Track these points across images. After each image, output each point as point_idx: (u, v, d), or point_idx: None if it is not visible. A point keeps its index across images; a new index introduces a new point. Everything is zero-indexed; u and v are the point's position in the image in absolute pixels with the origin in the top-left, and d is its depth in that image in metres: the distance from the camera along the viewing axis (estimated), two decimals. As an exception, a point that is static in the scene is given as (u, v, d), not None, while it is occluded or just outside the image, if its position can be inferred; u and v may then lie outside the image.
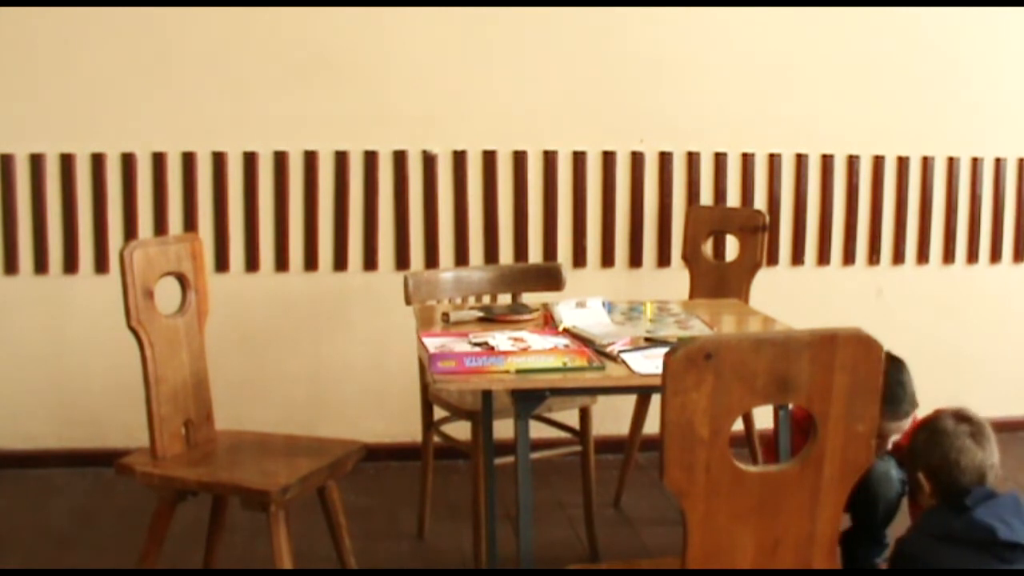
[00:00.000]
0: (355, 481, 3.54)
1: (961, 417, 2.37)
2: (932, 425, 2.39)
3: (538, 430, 2.96)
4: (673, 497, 1.66)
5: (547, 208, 4.00)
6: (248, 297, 3.91)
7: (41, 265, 3.85)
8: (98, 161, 3.82)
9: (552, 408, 3.05)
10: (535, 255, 4.01)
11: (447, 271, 3.39)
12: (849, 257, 4.18)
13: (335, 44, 3.84)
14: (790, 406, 2.48)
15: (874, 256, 4.20)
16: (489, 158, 3.95)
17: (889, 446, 2.79)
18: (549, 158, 3.98)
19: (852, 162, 4.14)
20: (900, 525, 2.81)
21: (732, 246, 3.66)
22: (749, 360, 1.60)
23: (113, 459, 2.61)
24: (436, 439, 3.24)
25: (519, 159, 3.96)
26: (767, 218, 3.53)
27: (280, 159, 3.88)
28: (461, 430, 3.17)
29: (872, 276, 4.21)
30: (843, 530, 2.89)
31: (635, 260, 4.06)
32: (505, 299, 3.34)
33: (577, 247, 4.02)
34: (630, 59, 3.96)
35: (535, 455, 2.76)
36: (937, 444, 2.33)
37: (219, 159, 3.86)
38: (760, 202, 4.07)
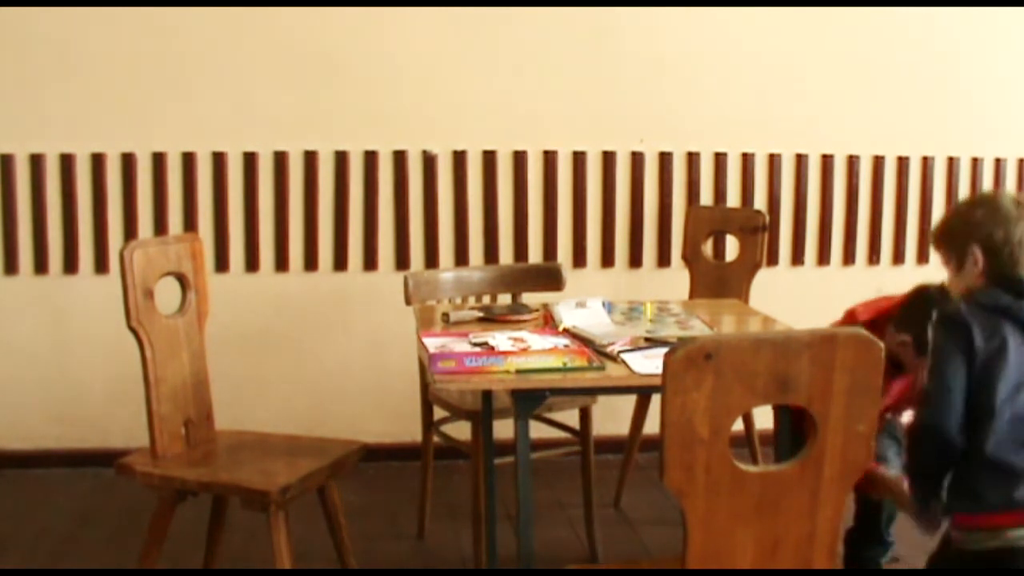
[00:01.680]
0: (355, 481, 3.54)
1: (1015, 199, 2.27)
2: (992, 204, 2.28)
3: (538, 430, 2.96)
4: (673, 497, 1.66)
5: (547, 208, 4.00)
6: (248, 297, 3.91)
7: (41, 265, 3.85)
8: (98, 161, 3.82)
9: (552, 408, 3.05)
10: (535, 255, 4.01)
11: (447, 271, 3.39)
12: (849, 257, 4.18)
13: (335, 44, 3.84)
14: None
15: (874, 256, 4.20)
16: (489, 158, 3.95)
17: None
18: (549, 158, 3.98)
19: (852, 162, 4.14)
20: (902, 527, 2.82)
21: (732, 246, 3.66)
22: (749, 360, 1.60)
23: (113, 459, 2.62)
24: (436, 439, 3.24)
25: (519, 159, 3.96)
26: (767, 218, 3.53)
27: (280, 159, 3.88)
28: (461, 430, 3.17)
29: (872, 276, 4.21)
30: (847, 529, 2.89)
31: (635, 260, 4.06)
32: (505, 299, 3.34)
33: (577, 247, 4.02)
34: (630, 59, 3.96)
35: (535, 455, 2.76)
36: (1002, 223, 2.21)
37: (219, 159, 3.86)
38: (760, 202, 4.07)
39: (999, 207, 2.24)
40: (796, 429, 2.20)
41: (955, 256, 2.29)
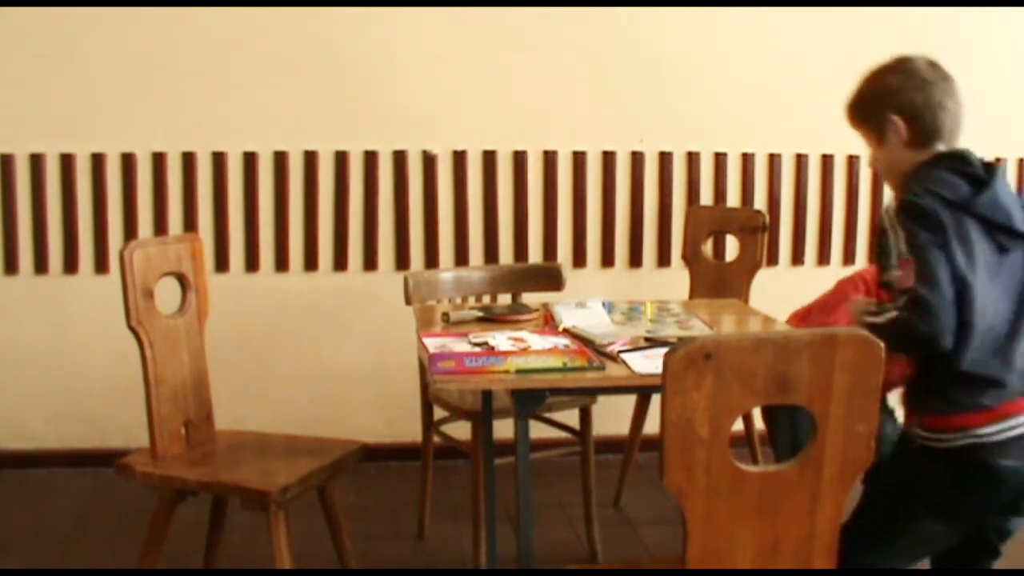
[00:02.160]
0: (355, 481, 3.54)
1: (930, 62, 2.17)
2: (906, 68, 2.19)
3: (538, 430, 2.96)
4: (673, 497, 1.66)
5: (547, 208, 4.00)
6: (248, 297, 3.91)
7: (41, 265, 3.85)
8: (98, 161, 3.82)
9: (552, 408, 3.05)
10: (535, 255, 4.01)
11: (447, 271, 3.39)
12: (849, 257, 4.17)
13: (335, 44, 3.84)
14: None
15: (874, 256, 4.19)
16: (489, 158, 3.95)
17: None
18: (549, 158, 3.98)
19: (852, 162, 4.13)
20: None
21: (732, 246, 3.66)
22: (749, 360, 1.60)
23: (113, 459, 2.61)
24: (436, 439, 3.24)
25: (519, 159, 3.96)
26: (767, 218, 3.53)
27: (280, 159, 3.88)
28: (461, 430, 3.17)
29: (872, 276, 4.21)
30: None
31: (635, 260, 4.06)
32: (505, 299, 3.34)
33: (577, 247, 4.02)
34: (630, 59, 3.96)
35: (535, 455, 2.76)
36: (919, 86, 2.13)
37: (219, 159, 3.86)
38: (760, 202, 4.07)
39: (915, 69, 2.16)
40: (792, 428, 2.18)
41: (874, 129, 2.21)
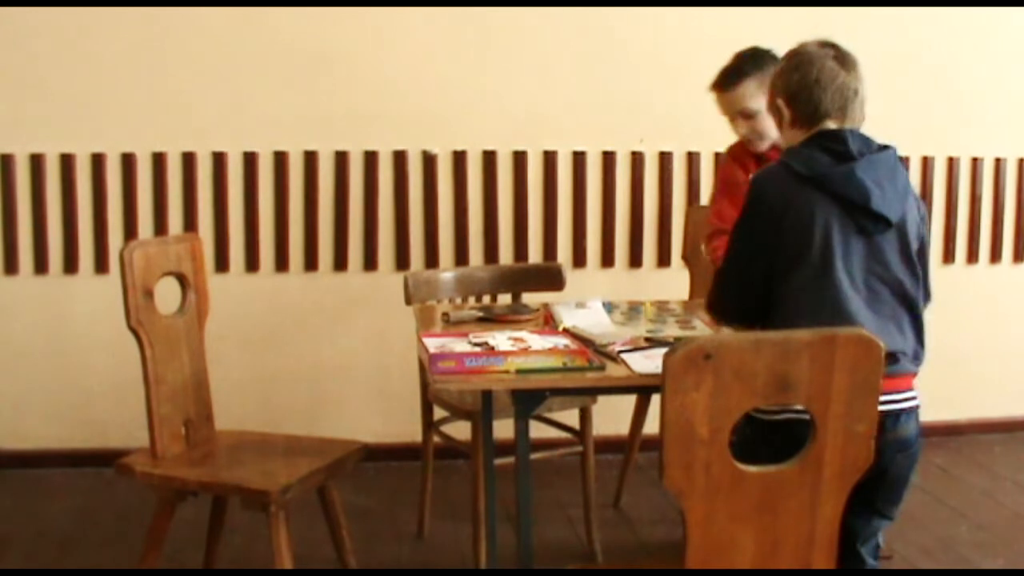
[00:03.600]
0: (355, 481, 3.54)
1: (825, 43, 2.20)
2: (794, 51, 2.23)
3: (538, 430, 2.96)
4: (673, 497, 1.66)
5: (547, 208, 4.00)
6: (248, 297, 3.91)
7: (41, 265, 3.85)
8: (98, 161, 3.82)
9: (552, 408, 3.05)
10: (535, 255, 4.01)
11: (447, 271, 3.39)
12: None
13: (335, 44, 3.84)
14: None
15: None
16: (489, 158, 3.95)
17: None
18: (549, 158, 3.98)
19: (852, 162, 4.13)
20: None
21: (732, 246, 3.65)
22: (749, 360, 1.60)
23: (113, 459, 2.62)
24: (436, 439, 3.24)
25: (519, 159, 3.96)
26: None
27: (280, 159, 3.88)
28: (461, 430, 3.17)
29: (872, 276, 4.21)
30: None
31: (635, 260, 4.06)
32: (505, 299, 3.34)
33: (577, 247, 4.02)
34: (630, 59, 3.96)
35: (535, 455, 2.77)
36: (797, 67, 2.16)
37: (219, 159, 3.86)
38: (760, 202, 4.06)
39: (799, 52, 2.19)
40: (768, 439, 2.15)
41: (774, 115, 2.24)
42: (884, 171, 2.08)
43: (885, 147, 2.15)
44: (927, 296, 2.20)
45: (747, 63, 2.82)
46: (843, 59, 2.15)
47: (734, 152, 3.01)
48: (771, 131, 2.76)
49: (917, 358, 2.12)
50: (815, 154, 2.08)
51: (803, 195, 2.04)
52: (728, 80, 2.82)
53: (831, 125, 2.13)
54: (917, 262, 2.13)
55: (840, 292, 2.03)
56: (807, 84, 2.13)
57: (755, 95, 2.78)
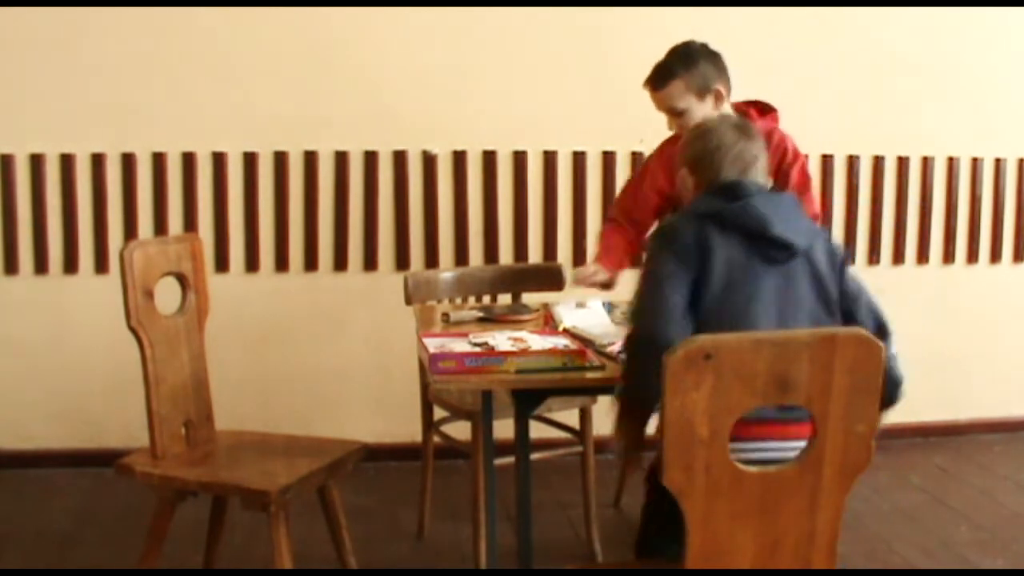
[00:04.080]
0: (355, 481, 3.54)
1: (727, 117, 2.31)
2: (696, 124, 2.32)
3: (538, 430, 2.96)
4: (673, 497, 1.66)
5: (547, 208, 4.00)
6: (248, 297, 3.91)
7: (41, 265, 3.85)
8: (98, 161, 3.82)
9: (552, 408, 3.05)
10: (535, 255, 4.01)
11: (447, 271, 3.39)
12: (849, 257, 4.17)
13: (335, 44, 3.84)
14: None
15: (874, 256, 4.20)
16: (489, 158, 3.95)
17: None
18: (549, 158, 3.98)
19: (852, 162, 4.14)
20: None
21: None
22: (749, 360, 1.60)
23: (113, 459, 2.62)
24: (436, 439, 3.24)
25: (519, 159, 3.96)
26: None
27: (280, 159, 3.88)
28: (461, 430, 3.17)
29: (873, 276, 4.19)
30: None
31: (635, 260, 4.05)
32: (505, 299, 3.34)
33: (577, 247, 4.02)
34: (630, 59, 3.93)
35: (535, 455, 2.77)
36: (698, 137, 2.24)
37: (219, 159, 3.86)
38: (760, 202, 4.06)
39: (699, 124, 2.28)
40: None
41: (681, 187, 2.29)
42: (784, 208, 2.13)
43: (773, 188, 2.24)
44: (883, 331, 2.17)
45: (677, 62, 2.88)
46: (743, 128, 2.22)
47: (661, 150, 3.09)
48: None
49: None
50: (711, 198, 2.14)
51: (703, 231, 2.07)
52: (657, 79, 2.89)
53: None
54: (835, 300, 2.12)
55: (748, 322, 2.01)
56: (708, 151, 2.19)
57: (683, 95, 2.86)
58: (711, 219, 2.08)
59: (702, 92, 2.87)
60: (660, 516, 2.15)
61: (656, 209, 3.05)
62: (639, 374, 2.07)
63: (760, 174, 2.20)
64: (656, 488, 2.21)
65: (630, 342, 2.10)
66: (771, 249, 2.07)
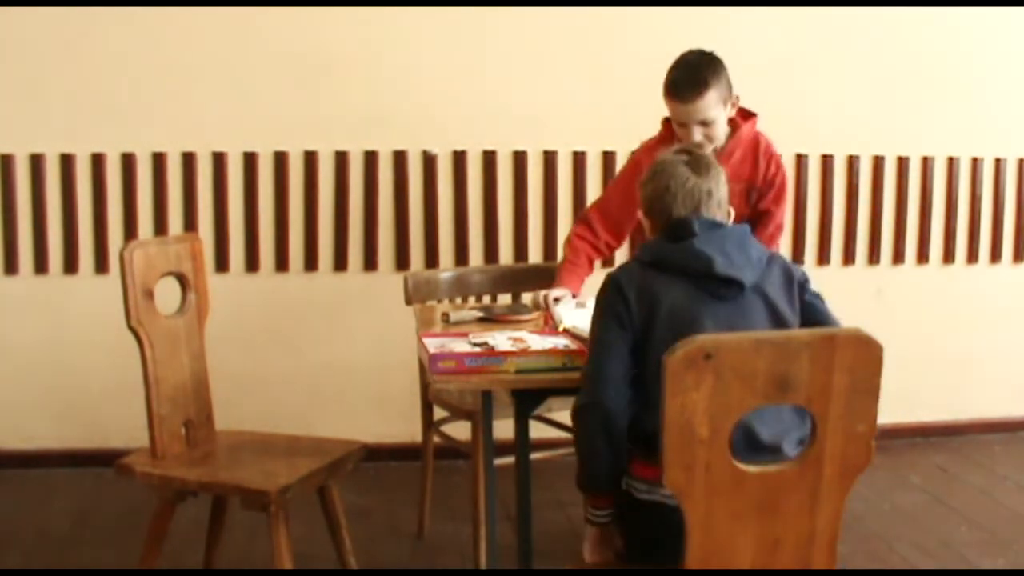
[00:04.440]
0: (355, 481, 3.54)
1: (682, 150, 2.23)
2: (656, 164, 2.23)
3: (538, 430, 2.96)
4: (673, 497, 1.66)
5: (547, 208, 4.00)
6: (248, 297, 3.91)
7: (41, 265, 3.85)
8: (98, 161, 3.82)
9: (552, 408, 3.05)
10: (535, 255, 4.01)
11: (447, 271, 3.39)
12: (849, 257, 4.18)
13: (335, 44, 3.84)
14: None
15: (874, 256, 4.20)
16: (489, 158, 3.95)
17: None
18: (549, 158, 3.98)
19: (852, 162, 4.14)
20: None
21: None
22: (749, 360, 1.60)
23: (113, 459, 2.62)
24: (436, 439, 3.24)
25: (519, 159, 3.96)
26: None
27: (280, 159, 3.88)
28: (461, 430, 3.17)
29: (872, 276, 4.21)
30: None
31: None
32: (505, 299, 3.34)
33: (577, 247, 4.01)
34: (630, 59, 3.95)
35: (535, 455, 2.76)
36: (651, 178, 2.19)
37: (219, 159, 3.86)
38: (760, 202, 4.07)
39: (654, 163, 2.22)
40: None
41: (646, 228, 2.25)
42: (731, 242, 2.09)
43: (716, 223, 2.15)
44: None
45: (706, 70, 2.83)
46: (696, 163, 2.17)
47: (650, 149, 3.00)
48: (721, 136, 2.86)
49: (802, 443, 1.97)
50: (659, 242, 2.14)
51: (647, 279, 2.06)
52: (692, 90, 2.80)
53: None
54: (794, 325, 2.09)
55: None
56: (659, 193, 2.16)
57: (716, 104, 2.82)
58: (654, 266, 2.08)
59: (726, 100, 2.84)
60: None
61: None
62: (586, 441, 2.08)
63: (715, 208, 2.16)
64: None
65: (574, 409, 2.10)
66: (718, 287, 2.05)
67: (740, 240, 2.12)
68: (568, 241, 3.04)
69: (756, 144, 2.94)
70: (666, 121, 3.03)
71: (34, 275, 3.86)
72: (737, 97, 2.87)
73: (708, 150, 2.83)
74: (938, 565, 3.11)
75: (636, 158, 3.06)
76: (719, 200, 2.17)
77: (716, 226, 2.12)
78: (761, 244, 2.19)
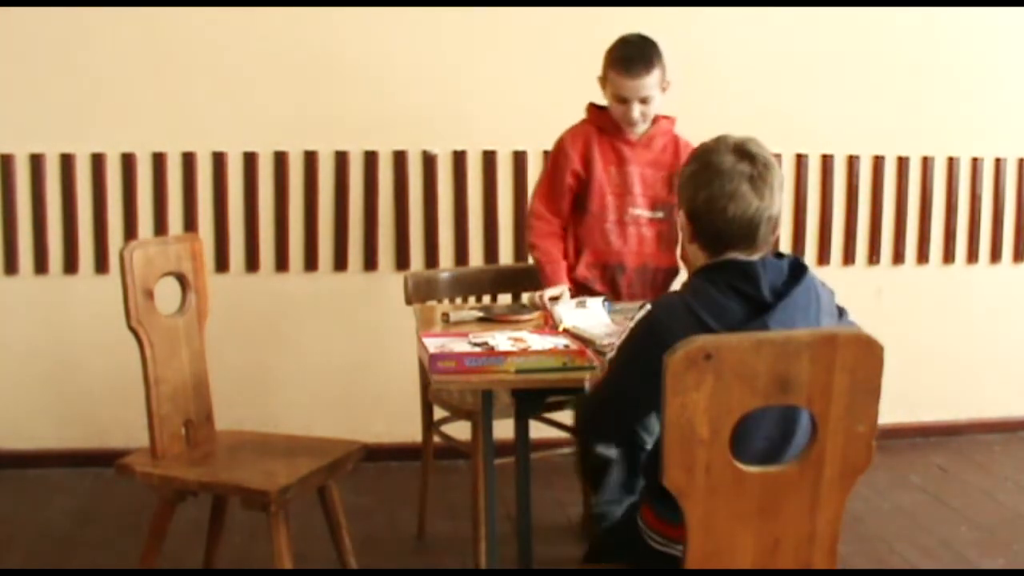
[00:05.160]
0: (355, 481, 3.54)
1: (744, 153, 1.90)
2: (705, 158, 1.93)
3: (538, 430, 2.96)
4: (673, 497, 1.66)
5: (547, 208, 3.99)
6: (248, 297, 3.90)
7: (41, 265, 3.84)
8: (98, 161, 3.82)
9: (552, 408, 3.04)
10: (535, 255, 4.01)
11: (447, 271, 3.39)
12: (849, 257, 4.18)
13: (335, 44, 3.84)
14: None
15: (874, 256, 4.20)
16: (489, 158, 3.95)
17: None
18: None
19: (852, 162, 4.14)
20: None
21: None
22: (749, 360, 1.60)
23: (113, 459, 2.62)
24: (436, 439, 3.24)
25: (519, 159, 3.96)
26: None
27: (280, 159, 3.88)
28: (461, 430, 3.17)
29: (872, 276, 4.21)
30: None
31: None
32: (505, 299, 3.34)
33: (577, 247, 4.01)
34: (630, 59, 3.95)
35: (535, 455, 2.76)
36: (705, 184, 1.88)
37: (219, 159, 3.86)
38: (760, 202, 4.06)
39: (711, 163, 1.91)
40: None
41: (679, 225, 1.99)
42: (798, 313, 1.86)
43: (797, 269, 1.91)
44: None
45: (652, 51, 3.00)
46: (760, 178, 1.88)
47: (575, 135, 3.14)
48: (650, 119, 3.03)
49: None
50: (725, 300, 1.85)
51: (692, 325, 1.79)
52: (641, 66, 2.96)
53: (739, 256, 1.90)
54: None
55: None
56: (713, 210, 1.88)
57: (658, 83, 2.99)
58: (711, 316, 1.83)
59: (663, 84, 3.02)
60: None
61: (573, 191, 3.10)
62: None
63: (770, 233, 1.91)
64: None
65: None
66: None
67: (805, 306, 1.88)
68: (532, 245, 3.10)
69: (676, 138, 3.11)
70: (591, 106, 3.16)
71: (34, 275, 3.85)
72: (669, 83, 3.01)
73: (640, 130, 3.02)
74: (938, 565, 3.11)
75: (561, 144, 3.17)
76: (776, 222, 1.92)
77: (778, 273, 1.87)
78: (819, 286, 1.97)
